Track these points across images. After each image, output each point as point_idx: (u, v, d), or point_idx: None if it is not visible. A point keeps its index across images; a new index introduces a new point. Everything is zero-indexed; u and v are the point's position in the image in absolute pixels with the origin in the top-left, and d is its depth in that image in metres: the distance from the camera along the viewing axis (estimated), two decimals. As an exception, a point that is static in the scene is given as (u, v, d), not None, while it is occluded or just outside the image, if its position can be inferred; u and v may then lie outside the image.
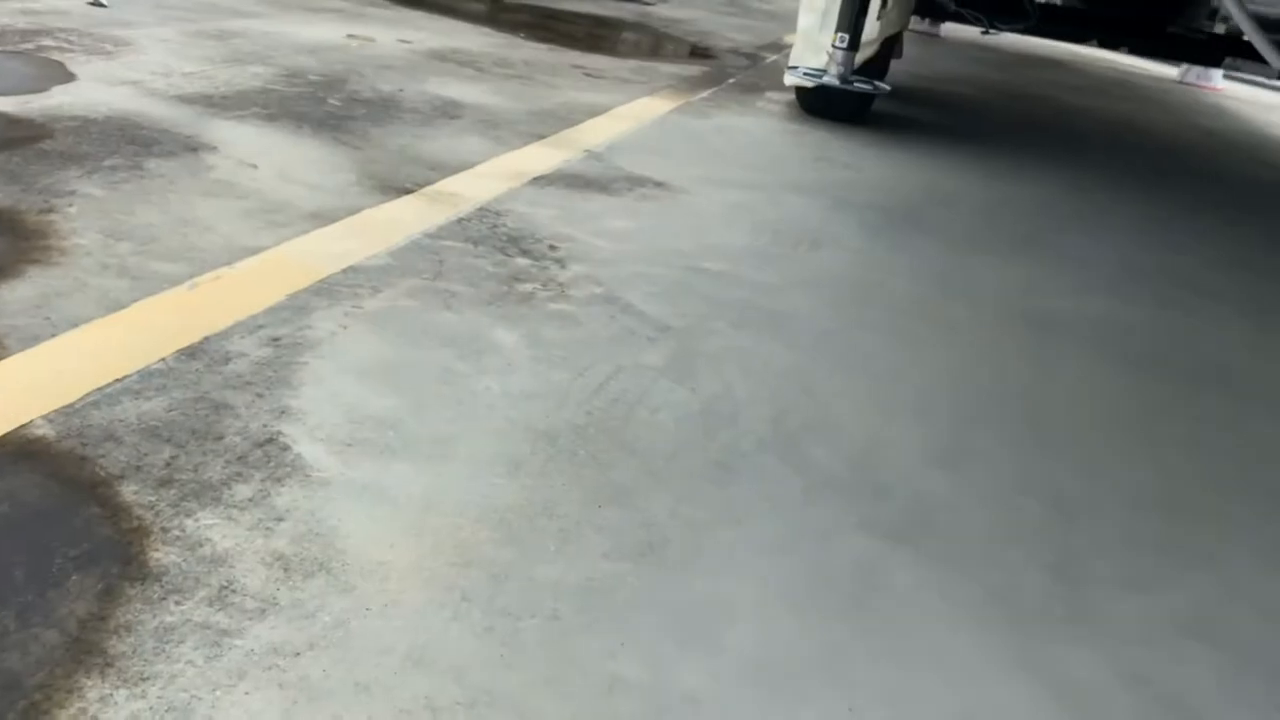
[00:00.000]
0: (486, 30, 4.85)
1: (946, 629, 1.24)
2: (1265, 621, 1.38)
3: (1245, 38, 5.09)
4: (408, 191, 2.38)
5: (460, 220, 2.25)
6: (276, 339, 1.60)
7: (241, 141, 2.49)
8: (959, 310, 2.31)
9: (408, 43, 4.10)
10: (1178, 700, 1.19)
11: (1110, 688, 1.18)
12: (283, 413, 1.41)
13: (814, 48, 3.76)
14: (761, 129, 3.81)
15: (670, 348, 1.84)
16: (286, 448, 1.34)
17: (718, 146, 3.41)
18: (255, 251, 1.90)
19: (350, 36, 4.01)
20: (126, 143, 2.33)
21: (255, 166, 2.33)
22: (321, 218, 2.12)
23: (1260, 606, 1.41)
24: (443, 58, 3.95)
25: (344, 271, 1.88)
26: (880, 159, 3.61)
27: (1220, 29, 5.96)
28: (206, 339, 1.56)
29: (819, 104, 4.03)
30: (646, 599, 1.19)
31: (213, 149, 2.40)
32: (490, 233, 2.21)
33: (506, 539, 1.24)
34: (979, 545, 1.42)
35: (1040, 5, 5.40)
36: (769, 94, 4.48)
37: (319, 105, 2.93)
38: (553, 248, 2.20)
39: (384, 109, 3.04)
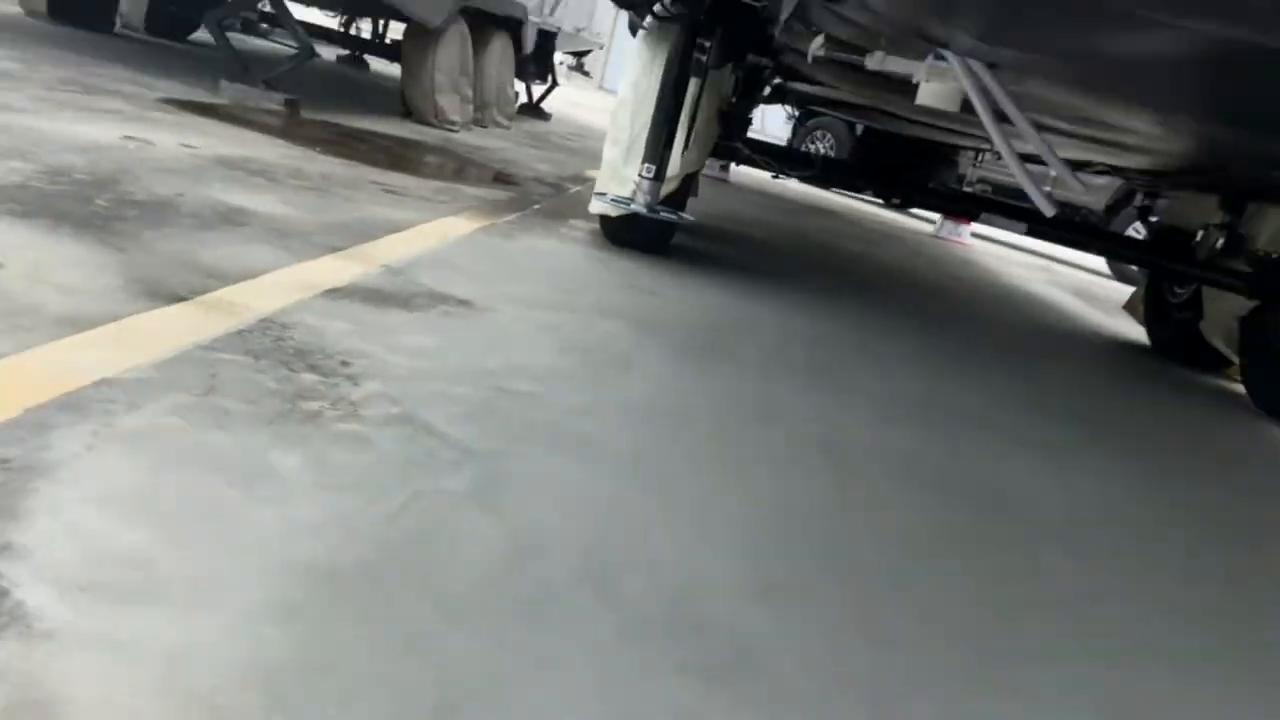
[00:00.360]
0: (281, 142, 4.67)
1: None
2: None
3: (997, 196, 5.68)
4: (181, 299, 2.15)
5: (241, 332, 2.05)
6: (5, 461, 1.35)
7: (-16, 237, 2.19)
8: (764, 436, 2.31)
9: (192, 148, 3.86)
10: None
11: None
12: (4, 549, 1.17)
13: (619, 179, 3.83)
14: (568, 254, 3.81)
15: (474, 472, 1.70)
16: (4, 592, 1.10)
17: (524, 268, 3.36)
18: (-14, 359, 1.63)
19: (127, 138, 3.74)
20: None
21: (1, 265, 2.05)
22: (75, 324, 1.87)
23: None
24: (231, 165, 3.74)
25: (96, 384, 1.64)
26: (682, 288, 3.67)
27: (970, 190, 6.68)
28: (-92, 460, 1.29)
29: (623, 233, 4.09)
30: (444, 766, 1.03)
31: (-54, 243, 2.10)
32: (274, 346, 2.02)
33: (274, 704, 1.05)
34: (798, 684, 1.35)
35: (823, 158, 5.85)
36: (573, 222, 4.52)
37: (84, 205, 2.66)
38: (345, 364, 2.03)
39: (159, 212, 2.80)
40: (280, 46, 9.10)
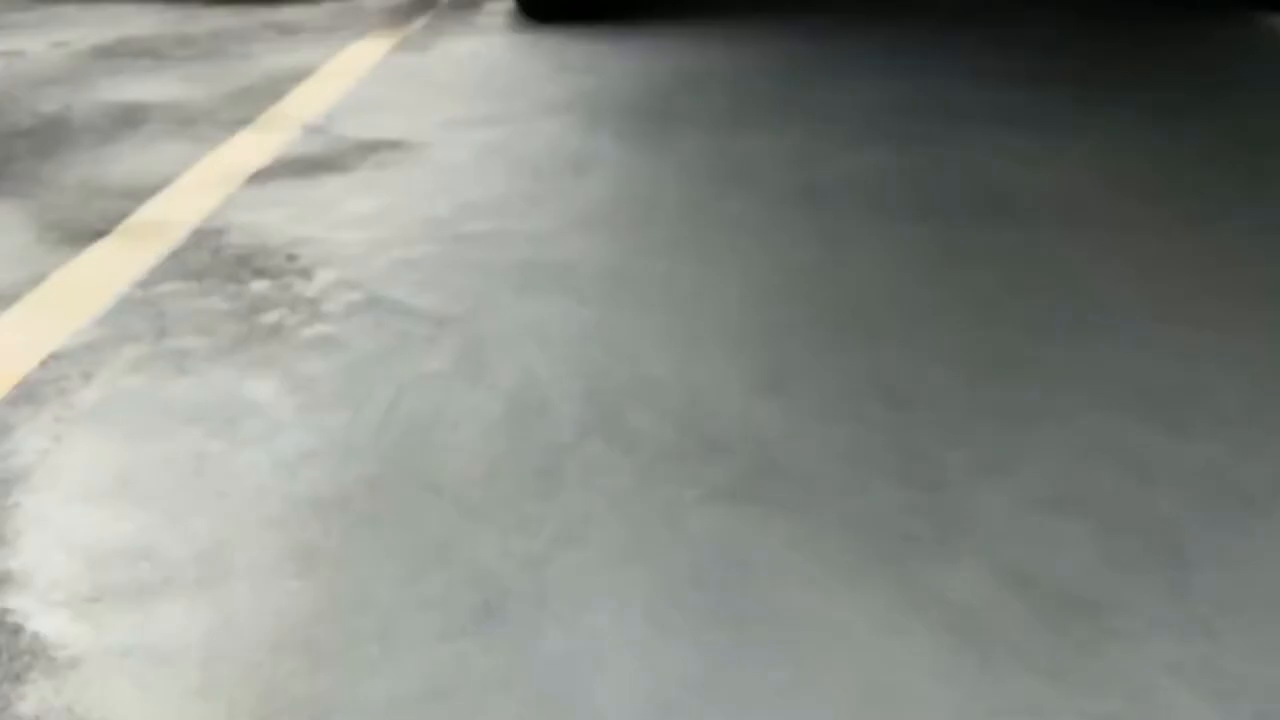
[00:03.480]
0: (156, 6, 4.27)
1: (821, 590, 1.14)
2: (1123, 474, 1.36)
3: None
4: (102, 234, 2.02)
5: (175, 254, 1.93)
6: (-26, 482, 1.30)
7: (-125, 226, 2.04)
8: (738, 204, 2.19)
9: (64, 44, 3.54)
10: (1067, 594, 1.14)
11: (998, 599, 1.12)
12: (3, 582, 1.14)
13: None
14: (490, 49, 3.53)
15: (454, 343, 1.63)
16: (18, 628, 1.08)
17: (448, 81, 3.12)
18: (-79, 370, 1.54)
19: (-8, 52, 3.42)
20: None
21: (-100, 254, 1.92)
22: (1, 299, 1.76)
23: (1115, 458, 1.39)
24: (111, 53, 3.43)
25: (43, 364, 1.56)
26: (621, 57, 3.42)
27: None
28: (-123, 513, 1.24)
29: (541, 6, 3.77)
30: (499, 678, 1.02)
31: None
32: (214, 259, 1.91)
33: (318, 662, 1.04)
34: (827, 481, 1.33)
35: None
36: (488, 7, 4.17)
37: (-31, 151, 2.46)
38: (291, 257, 1.92)
39: (51, 135, 2.59)
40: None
